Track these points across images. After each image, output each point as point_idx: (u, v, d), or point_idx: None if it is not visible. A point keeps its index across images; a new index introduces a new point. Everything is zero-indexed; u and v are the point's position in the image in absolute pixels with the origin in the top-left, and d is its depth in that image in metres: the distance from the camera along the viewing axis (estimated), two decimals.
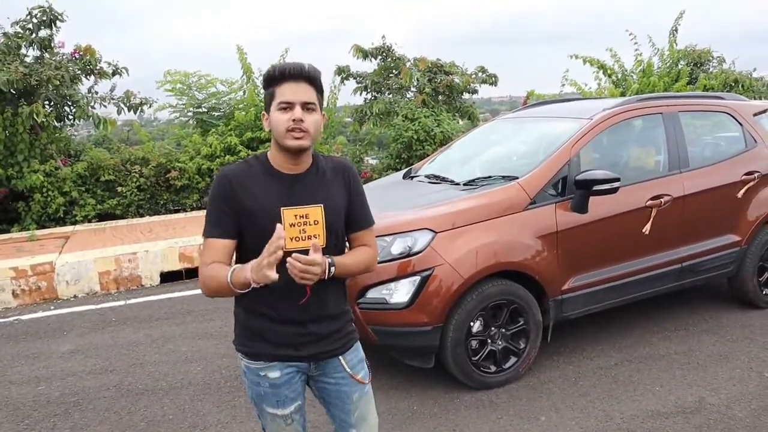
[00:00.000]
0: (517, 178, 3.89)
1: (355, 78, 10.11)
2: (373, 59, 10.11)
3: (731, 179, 4.57)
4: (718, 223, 4.53)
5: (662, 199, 4.16)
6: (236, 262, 1.87)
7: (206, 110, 9.92)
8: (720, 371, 3.81)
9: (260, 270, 1.64)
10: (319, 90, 1.86)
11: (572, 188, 3.85)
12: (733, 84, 11.67)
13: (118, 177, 8.69)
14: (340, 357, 1.99)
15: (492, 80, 10.48)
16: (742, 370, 3.81)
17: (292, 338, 1.90)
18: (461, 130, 9.63)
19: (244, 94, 9.93)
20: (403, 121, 9.54)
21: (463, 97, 10.68)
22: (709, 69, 12.27)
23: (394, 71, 10.09)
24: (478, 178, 4.15)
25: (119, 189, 8.64)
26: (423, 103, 9.78)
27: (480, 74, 10.56)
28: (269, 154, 1.91)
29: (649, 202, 4.12)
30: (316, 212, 1.77)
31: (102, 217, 8.58)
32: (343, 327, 2.01)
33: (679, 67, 11.80)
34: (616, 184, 3.78)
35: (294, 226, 1.75)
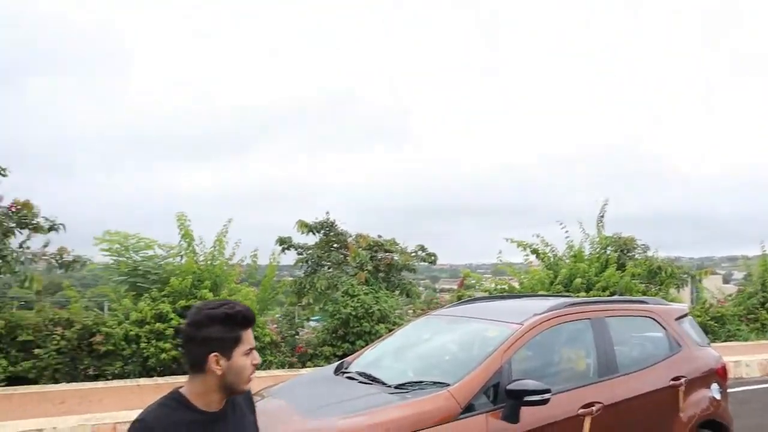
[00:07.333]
0: (449, 385, 3.82)
1: (296, 249, 10.23)
2: (316, 233, 10.32)
3: (659, 384, 4.62)
4: (652, 429, 4.50)
5: (594, 407, 4.14)
6: None
7: (141, 272, 9.68)
8: None
9: None
10: None
11: (504, 396, 3.79)
12: (657, 270, 12.37)
13: (38, 338, 8.20)
14: None
15: (431, 259, 10.81)
16: None
17: None
18: (399, 307, 9.68)
19: (182, 260, 9.72)
20: (342, 296, 9.54)
21: (402, 274, 10.88)
22: (634, 255, 13.04)
23: (335, 245, 10.28)
24: (408, 383, 4.05)
25: (36, 351, 8.11)
26: (365, 281, 9.87)
27: (419, 252, 10.88)
28: (188, 391, 1.83)
29: (581, 411, 4.08)
30: None
31: (12, 381, 7.96)
32: None
33: (608, 253, 12.48)
34: (547, 396, 3.74)
35: None
